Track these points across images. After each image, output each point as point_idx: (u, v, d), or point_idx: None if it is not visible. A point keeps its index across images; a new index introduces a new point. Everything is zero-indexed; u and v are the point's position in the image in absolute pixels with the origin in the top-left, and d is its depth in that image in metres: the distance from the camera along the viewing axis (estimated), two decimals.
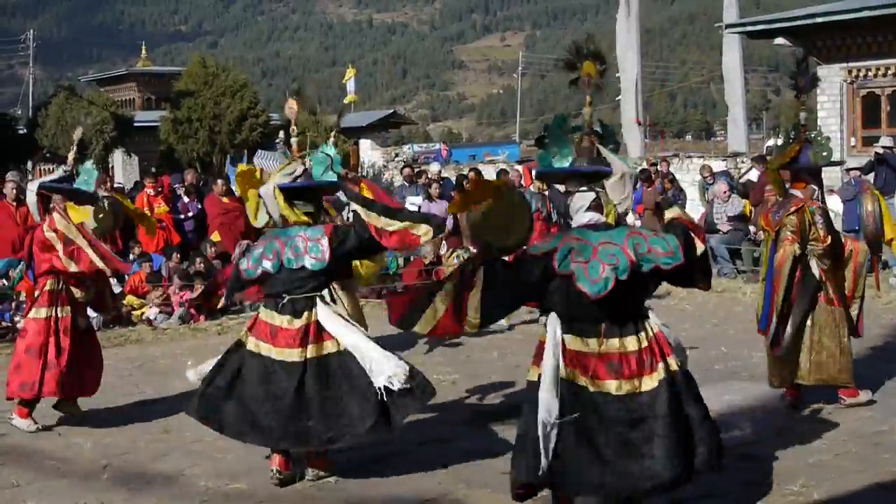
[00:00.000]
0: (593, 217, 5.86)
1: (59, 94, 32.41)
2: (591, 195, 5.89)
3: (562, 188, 6.39)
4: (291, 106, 7.92)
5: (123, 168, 38.81)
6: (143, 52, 59.58)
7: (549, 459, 5.57)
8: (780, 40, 27.27)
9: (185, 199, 17.92)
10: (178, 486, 7.25)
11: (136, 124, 34.26)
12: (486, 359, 11.73)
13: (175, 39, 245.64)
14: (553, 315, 5.79)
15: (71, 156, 9.61)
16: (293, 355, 7.04)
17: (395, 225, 7.22)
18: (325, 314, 7.19)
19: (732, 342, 11.98)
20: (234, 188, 17.99)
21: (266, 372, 7.06)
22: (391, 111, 49.99)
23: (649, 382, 5.66)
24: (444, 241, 18.25)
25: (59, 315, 9.12)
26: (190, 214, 17.75)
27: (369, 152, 40.18)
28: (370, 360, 6.94)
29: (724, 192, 18.51)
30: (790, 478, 6.75)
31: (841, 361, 8.73)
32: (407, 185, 19.96)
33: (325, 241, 7.22)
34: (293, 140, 7.76)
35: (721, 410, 8.90)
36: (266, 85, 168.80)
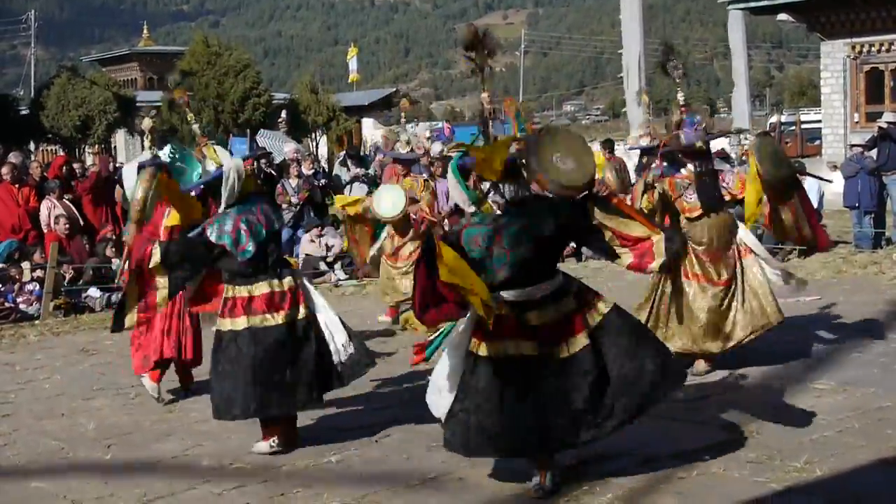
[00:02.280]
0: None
1: (62, 74, 32.30)
2: None
3: None
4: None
5: (126, 148, 38.78)
6: (145, 31, 59.48)
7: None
8: (783, 16, 27.19)
9: None
10: (182, 467, 7.25)
11: (138, 104, 34.18)
12: None
13: (177, 19, 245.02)
14: None
15: (147, 144, 9.86)
16: (278, 318, 7.32)
17: None
18: (303, 281, 7.59)
19: None
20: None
21: (254, 341, 7.26)
22: (394, 90, 49.89)
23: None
24: (446, 220, 18.23)
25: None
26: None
27: (372, 131, 40.12)
28: (331, 325, 7.39)
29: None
30: (793, 454, 6.74)
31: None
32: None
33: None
34: (194, 127, 8.02)
35: (724, 387, 8.90)
36: (269, 64, 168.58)
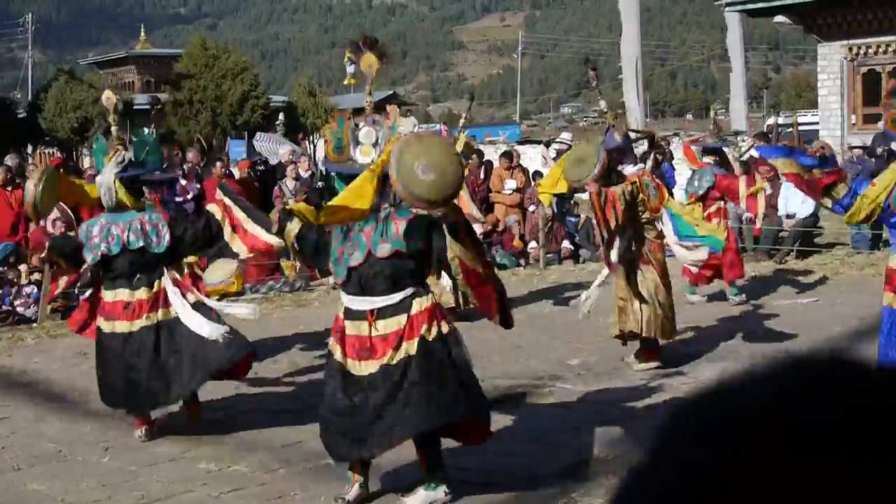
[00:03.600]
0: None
1: (59, 77, 32.35)
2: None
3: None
4: (109, 96, 8.50)
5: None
6: (143, 34, 59.46)
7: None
8: (780, 18, 27.21)
9: (183, 182, 17.80)
10: (180, 469, 7.25)
11: (136, 107, 34.18)
12: (487, 339, 11.69)
13: (174, 21, 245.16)
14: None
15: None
16: (148, 321, 7.88)
17: (251, 226, 7.96)
18: (169, 286, 7.94)
19: (729, 319, 12.00)
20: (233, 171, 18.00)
21: (125, 344, 7.86)
22: (391, 92, 49.90)
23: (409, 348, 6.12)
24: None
25: None
26: (189, 196, 17.61)
27: None
28: (196, 323, 7.83)
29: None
30: None
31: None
32: None
33: (164, 227, 8.01)
34: (113, 129, 8.24)
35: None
36: (266, 67, 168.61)
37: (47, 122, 30.39)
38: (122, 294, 7.92)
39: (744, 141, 25.44)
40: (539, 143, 24.12)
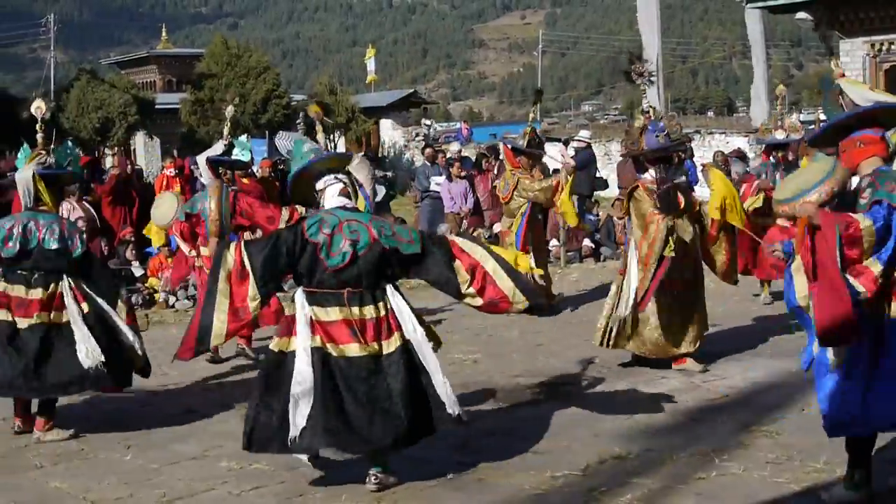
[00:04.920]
0: (343, 201, 6.76)
1: (81, 77, 32.47)
2: (340, 184, 6.81)
3: None
4: (39, 105, 8.76)
5: (145, 150, 38.91)
6: (164, 34, 59.62)
7: (300, 427, 6.28)
8: (802, 14, 27.06)
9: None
10: (201, 467, 7.27)
11: (157, 106, 34.32)
12: (508, 337, 11.73)
13: (195, 21, 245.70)
14: (300, 290, 6.58)
15: (226, 132, 11.16)
16: (41, 318, 8.09)
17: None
18: (67, 290, 8.17)
19: (756, 319, 11.95)
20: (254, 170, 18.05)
21: (11, 335, 8.09)
22: (412, 91, 49.92)
23: (387, 347, 6.47)
24: (464, 220, 18.26)
25: None
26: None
27: (390, 132, 40.16)
28: (80, 337, 8.08)
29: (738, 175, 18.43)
30: (813, 455, 6.71)
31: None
32: (429, 164, 19.93)
33: (80, 236, 8.38)
34: (38, 136, 8.48)
35: (744, 387, 8.88)
36: (287, 66, 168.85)
37: (69, 122, 30.50)
38: (19, 290, 8.17)
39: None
40: (559, 140, 24.14)
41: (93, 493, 6.78)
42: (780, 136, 13.29)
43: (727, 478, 6.46)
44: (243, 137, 10.84)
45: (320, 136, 7.94)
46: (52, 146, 8.49)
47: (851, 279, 5.58)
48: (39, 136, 8.48)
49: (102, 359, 8.05)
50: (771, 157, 13.23)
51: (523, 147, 13.05)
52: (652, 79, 10.02)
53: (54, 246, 8.15)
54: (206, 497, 6.65)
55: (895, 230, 5.60)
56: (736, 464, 6.65)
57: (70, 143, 9.00)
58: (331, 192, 6.82)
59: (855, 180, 5.93)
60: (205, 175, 11.22)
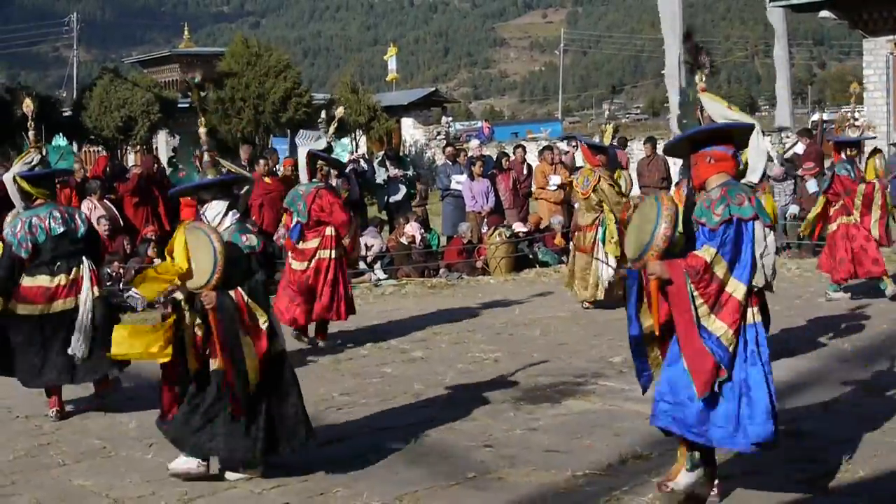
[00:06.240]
0: (232, 220, 6.90)
1: (104, 76, 32.56)
2: (225, 203, 6.91)
3: None
4: (28, 104, 9.00)
5: (167, 149, 38.99)
6: (186, 33, 59.74)
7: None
8: (824, 13, 26.93)
9: None
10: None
11: (179, 105, 34.37)
12: (529, 336, 11.72)
13: (217, 20, 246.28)
14: None
15: (331, 129, 11.64)
16: (67, 304, 8.54)
17: None
18: (86, 273, 8.62)
19: (776, 319, 11.89)
20: (278, 168, 18.07)
21: (41, 326, 8.52)
22: (433, 89, 49.89)
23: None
24: (485, 220, 18.24)
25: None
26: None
27: (411, 130, 40.18)
28: (79, 325, 8.52)
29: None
30: (836, 454, 6.69)
31: None
32: (450, 163, 19.91)
33: (80, 215, 8.85)
34: (30, 134, 8.77)
35: None
36: (308, 64, 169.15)
37: (92, 121, 30.58)
38: (42, 280, 8.52)
39: (788, 137, 25.26)
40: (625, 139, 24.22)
41: (115, 491, 6.81)
42: (852, 133, 13.28)
43: (749, 477, 6.44)
44: (346, 140, 11.41)
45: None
46: (44, 143, 8.89)
47: (714, 321, 5.77)
48: (31, 134, 8.75)
49: (85, 356, 8.57)
50: (843, 154, 13.18)
51: (602, 144, 13.68)
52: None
53: (61, 230, 8.55)
54: (227, 495, 6.67)
55: (745, 244, 5.76)
56: (758, 463, 6.62)
57: (60, 139, 9.50)
58: (214, 211, 6.96)
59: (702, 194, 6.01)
60: (302, 171, 11.65)
